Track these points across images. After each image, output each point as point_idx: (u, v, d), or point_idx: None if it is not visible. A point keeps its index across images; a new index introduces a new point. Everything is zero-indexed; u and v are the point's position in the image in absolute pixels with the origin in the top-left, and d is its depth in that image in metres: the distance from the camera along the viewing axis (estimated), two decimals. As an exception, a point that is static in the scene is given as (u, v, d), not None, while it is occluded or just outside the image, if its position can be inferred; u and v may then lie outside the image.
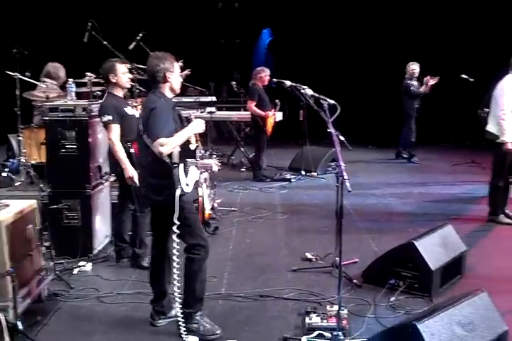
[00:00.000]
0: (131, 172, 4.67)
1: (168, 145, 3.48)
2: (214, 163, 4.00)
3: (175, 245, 3.57)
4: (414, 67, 9.90)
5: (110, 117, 4.69)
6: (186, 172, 3.65)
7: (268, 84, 8.63)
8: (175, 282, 3.62)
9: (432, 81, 9.55)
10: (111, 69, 4.84)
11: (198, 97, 10.34)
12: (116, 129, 4.72)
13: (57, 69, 6.81)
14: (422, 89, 9.70)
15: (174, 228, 3.54)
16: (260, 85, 8.56)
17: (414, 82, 9.89)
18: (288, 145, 11.38)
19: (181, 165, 3.58)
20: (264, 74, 8.56)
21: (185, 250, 3.72)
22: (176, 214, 3.53)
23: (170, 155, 3.54)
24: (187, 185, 3.63)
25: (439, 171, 8.46)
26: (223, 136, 12.07)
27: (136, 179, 4.64)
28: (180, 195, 3.54)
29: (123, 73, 4.87)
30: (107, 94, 4.94)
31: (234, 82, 10.63)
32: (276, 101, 8.85)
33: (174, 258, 3.59)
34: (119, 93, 4.95)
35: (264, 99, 8.56)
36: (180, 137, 3.57)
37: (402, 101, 10.09)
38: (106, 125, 4.75)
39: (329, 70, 12.88)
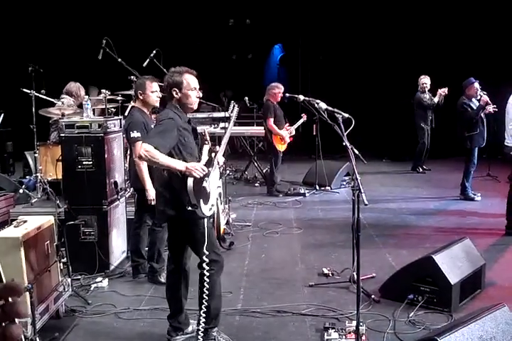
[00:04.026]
0: (152, 195, 4.65)
1: (151, 154, 3.39)
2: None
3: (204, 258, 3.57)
4: (425, 81, 10.09)
5: (139, 134, 4.65)
6: (207, 198, 3.62)
7: (281, 100, 8.62)
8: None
9: (441, 92, 9.77)
10: (140, 86, 4.87)
11: (210, 113, 10.41)
12: None
13: (79, 88, 7.13)
14: (436, 99, 9.89)
15: (204, 258, 3.54)
16: (274, 101, 8.52)
17: (426, 95, 10.07)
18: (301, 160, 11.38)
19: (201, 202, 3.52)
20: (278, 90, 8.45)
21: (198, 266, 3.71)
22: (205, 245, 3.54)
23: (187, 194, 3.47)
24: (209, 209, 3.63)
25: (454, 185, 8.39)
26: (237, 152, 12.10)
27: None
28: (195, 211, 3.52)
29: (152, 92, 4.85)
30: (134, 108, 4.95)
31: (246, 97, 10.67)
32: (302, 115, 8.82)
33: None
34: (146, 109, 4.95)
35: (278, 115, 8.50)
36: (167, 161, 3.46)
37: (414, 114, 10.19)
38: (133, 142, 4.69)
39: (341, 85, 12.93)
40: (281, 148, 8.54)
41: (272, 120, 8.38)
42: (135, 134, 4.68)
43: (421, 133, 10.25)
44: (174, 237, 3.87)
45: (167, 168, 3.53)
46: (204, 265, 3.61)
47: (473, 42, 11.67)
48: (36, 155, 6.60)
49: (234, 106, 4.15)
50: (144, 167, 4.67)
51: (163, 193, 3.72)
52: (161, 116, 3.71)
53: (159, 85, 4.84)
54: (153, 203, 4.67)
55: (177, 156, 3.58)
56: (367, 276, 4.86)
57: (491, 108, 7.45)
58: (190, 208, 3.48)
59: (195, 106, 3.77)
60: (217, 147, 3.91)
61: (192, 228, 3.62)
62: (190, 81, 3.67)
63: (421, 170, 10.51)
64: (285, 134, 8.45)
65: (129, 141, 4.80)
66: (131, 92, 5.81)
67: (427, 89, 10.08)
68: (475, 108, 7.64)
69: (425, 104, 10.00)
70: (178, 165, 3.48)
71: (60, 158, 5.32)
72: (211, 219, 4.69)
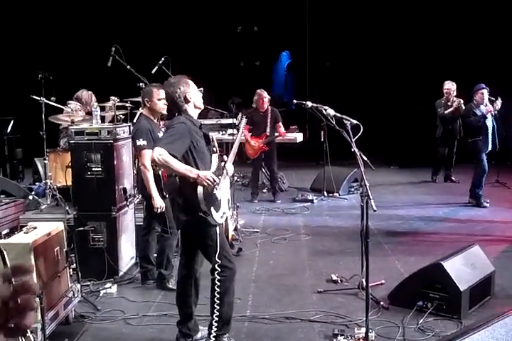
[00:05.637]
0: (158, 203, 4.69)
1: (165, 159, 3.42)
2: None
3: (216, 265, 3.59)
4: (447, 87, 9.41)
5: (144, 142, 4.68)
6: (218, 206, 3.65)
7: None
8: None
9: (455, 103, 9.22)
10: (147, 94, 4.91)
11: (219, 119, 10.43)
12: (149, 155, 4.70)
13: (90, 96, 7.14)
14: (447, 111, 9.35)
15: (216, 258, 3.57)
16: (259, 108, 8.39)
17: (448, 103, 9.43)
18: (309, 166, 11.38)
19: (212, 209, 3.56)
20: (257, 97, 8.33)
21: (210, 271, 3.71)
22: (217, 252, 3.57)
23: (198, 202, 3.51)
24: (221, 217, 3.66)
25: (463, 191, 8.37)
26: (245, 158, 12.09)
27: (163, 209, 4.69)
28: (207, 218, 3.55)
29: (159, 99, 4.86)
30: (141, 116, 5.00)
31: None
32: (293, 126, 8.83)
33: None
34: (153, 117, 4.98)
35: (255, 122, 8.37)
36: (181, 167, 3.48)
37: None
38: (140, 150, 4.73)
39: (348, 91, 12.94)
40: (250, 154, 8.61)
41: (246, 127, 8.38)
42: (141, 142, 4.70)
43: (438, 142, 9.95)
44: (187, 243, 3.89)
45: (180, 174, 3.55)
46: (216, 270, 3.63)
47: (488, 47, 11.59)
48: (46, 161, 6.62)
49: (242, 117, 4.20)
50: (149, 175, 4.69)
51: (175, 199, 3.77)
52: (173, 121, 3.77)
53: None
54: (159, 211, 4.69)
55: (189, 161, 3.61)
56: (376, 283, 4.85)
57: (490, 107, 7.52)
58: (201, 214, 3.51)
59: (203, 106, 3.86)
60: (225, 157, 3.93)
61: (204, 234, 3.64)
62: (192, 84, 3.80)
63: (435, 178, 10.19)
64: (253, 142, 8.42)
65: (135, 148, 4.85)
66: (140, 99, 5.85)
67: (450, 96, 9.33)
68: (479, 114, 7.68)
69: (439, 113, 9.51)
70: (190, 172, 3.50)
71: (70, 164, 5.35)
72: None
